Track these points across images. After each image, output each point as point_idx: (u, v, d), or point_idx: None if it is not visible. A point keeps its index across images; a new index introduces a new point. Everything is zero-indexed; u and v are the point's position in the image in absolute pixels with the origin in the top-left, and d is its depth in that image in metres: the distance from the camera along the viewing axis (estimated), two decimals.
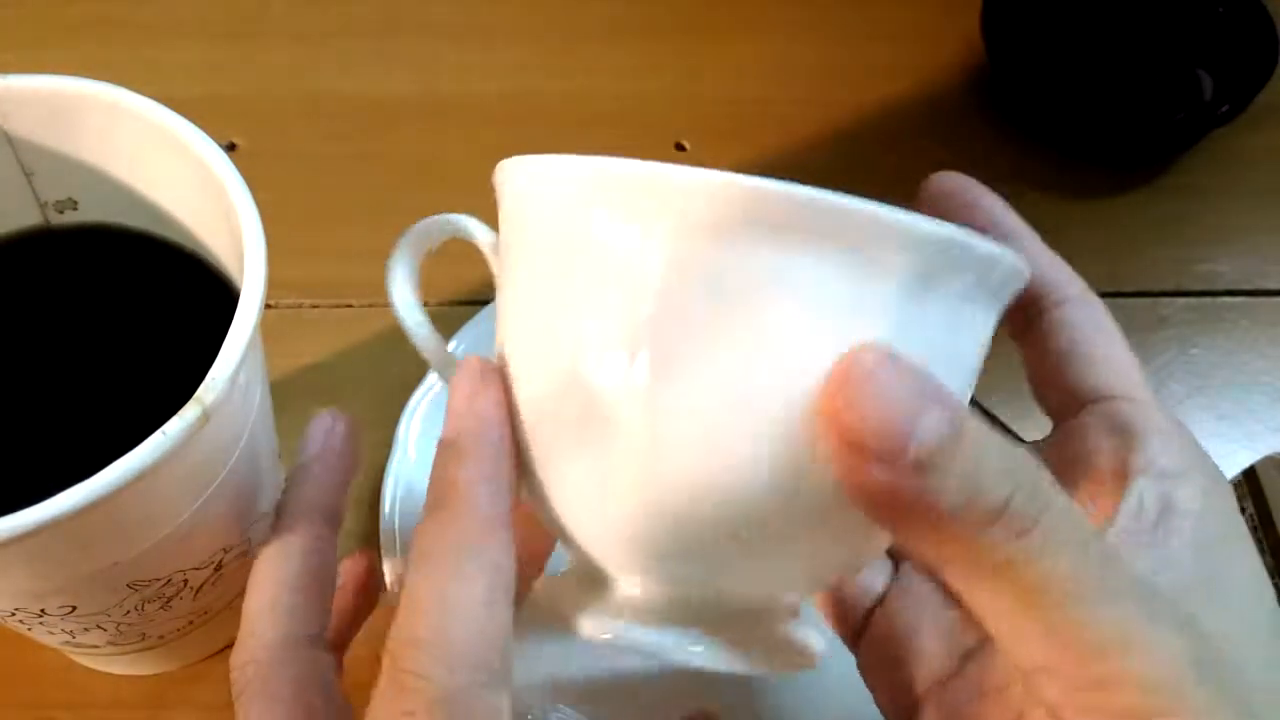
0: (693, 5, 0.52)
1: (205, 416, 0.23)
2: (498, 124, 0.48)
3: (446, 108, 0.48)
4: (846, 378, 0.18)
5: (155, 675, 0.35)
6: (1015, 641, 0.20)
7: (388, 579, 0.34)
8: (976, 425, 0.19)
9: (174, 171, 0.27)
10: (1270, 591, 0.24)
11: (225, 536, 0.29)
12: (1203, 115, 0.46)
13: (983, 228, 0.27)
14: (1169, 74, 0.48)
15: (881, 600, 0.27)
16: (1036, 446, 0.27)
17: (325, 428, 0.27)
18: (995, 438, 0.19)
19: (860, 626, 0.27)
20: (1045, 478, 0.20)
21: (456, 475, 0.21)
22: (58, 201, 0.29)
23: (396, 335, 0.41)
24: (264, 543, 0.25)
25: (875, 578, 0.27)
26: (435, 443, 0.40)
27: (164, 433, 0.22)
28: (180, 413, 0.23)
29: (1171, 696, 0.19)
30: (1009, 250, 0.21)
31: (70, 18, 0.49)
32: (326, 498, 0.26)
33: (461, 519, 0.21)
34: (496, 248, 0.25)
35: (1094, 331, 0.27)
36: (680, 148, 0.47)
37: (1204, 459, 0.25)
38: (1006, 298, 0.22)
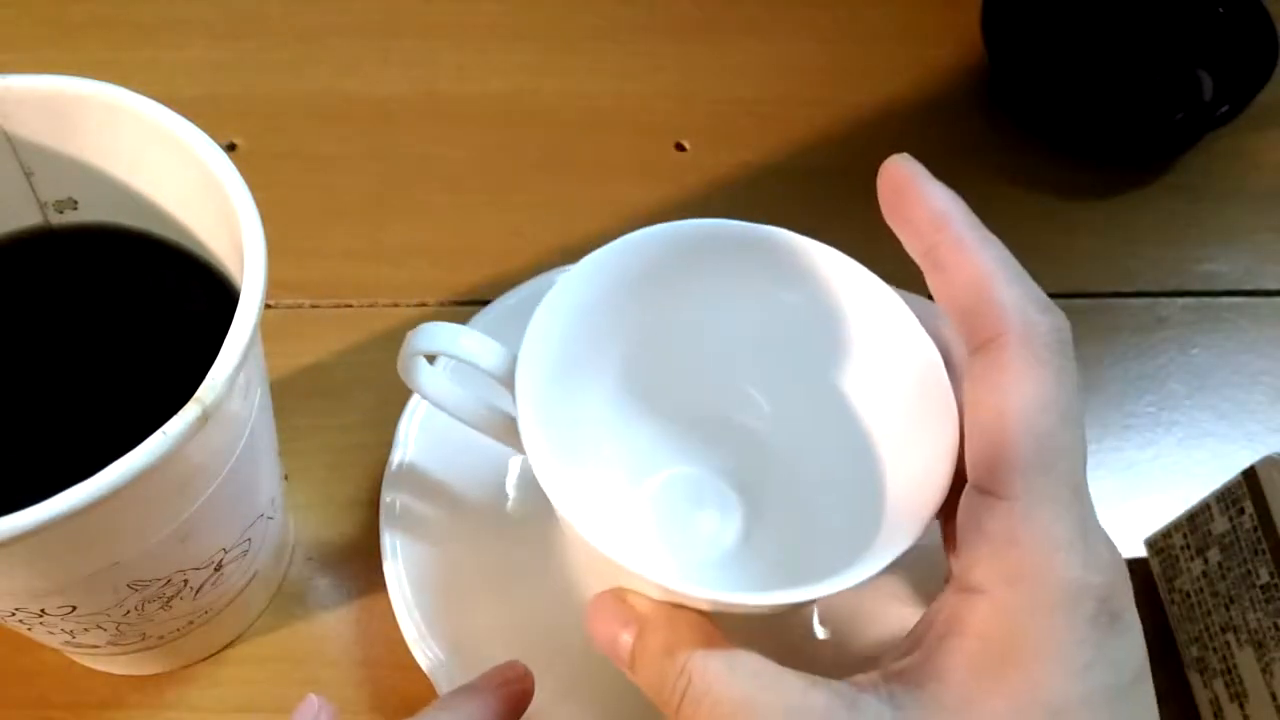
0: (693, 5, 0.52)
1: (205, 416, 0.23)
2: (498, 124, 0.48)
3: (446, 108, 0.48)
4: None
5: (155, 675, 0.35)
6: None
7: (389, 580, 0.34)
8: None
9: (174, 171, 0.27)
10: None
11: (225, 536, 0.29)
12: (1203, 115, 0.46)
13: (928, 233, 0.26)
14: (1169, 74, 0.48)
15: None
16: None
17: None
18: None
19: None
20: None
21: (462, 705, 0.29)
22: (58, 201, 0.29)
23: (396, 335, 0.41)
24: None
25: None
26: (435, 440, 0.40)
27: (164, 433, 0.22)
28: (180, 413, 0.23)
29: None
30: None
31: (70, 18, 0.49)
32: None
33: None
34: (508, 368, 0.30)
35: (990, 396, 0.24)
36: (680, 148, 0.47)
37: (1048, 564, 0.23)
38: None
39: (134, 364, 0.29)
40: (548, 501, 0.27)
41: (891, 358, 0.31)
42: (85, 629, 0.29)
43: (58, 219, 0.30)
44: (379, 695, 0.35)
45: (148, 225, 0.29)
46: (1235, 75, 0.46)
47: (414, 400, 0.38)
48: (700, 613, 0.27)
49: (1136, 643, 0.24)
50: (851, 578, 0.26)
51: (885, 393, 0.31)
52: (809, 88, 0.49)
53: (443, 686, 0.33)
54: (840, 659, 0.34)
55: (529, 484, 0.37)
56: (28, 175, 0.29)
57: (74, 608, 0.27)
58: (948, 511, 0.27)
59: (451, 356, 0.30)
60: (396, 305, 0.42)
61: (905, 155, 0.27)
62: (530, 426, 0.28)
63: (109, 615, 0.28)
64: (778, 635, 0.33)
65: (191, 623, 0.32)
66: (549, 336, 0.30)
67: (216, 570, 0.30)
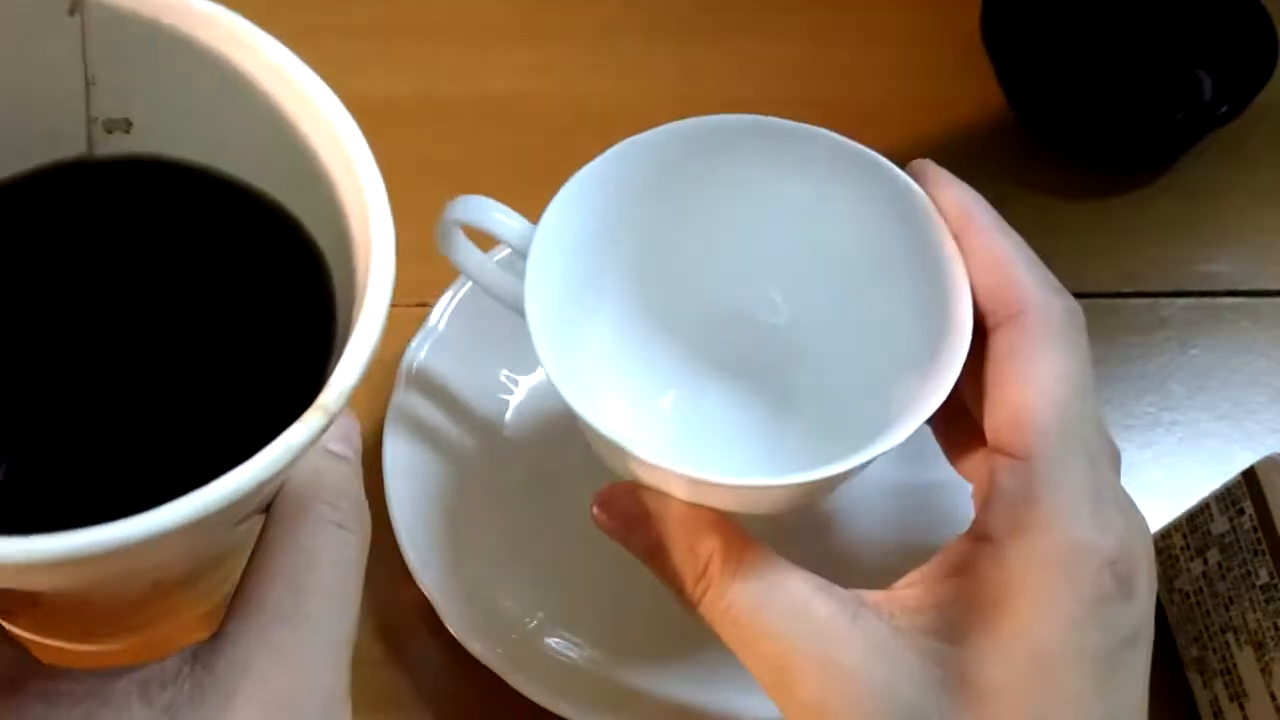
0: (691, 6, 0.52)
1: (327, 426, 0.19)
2: (498, 124, 0.48)
3: (446, 108, 0.48)
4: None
5: None
6: None
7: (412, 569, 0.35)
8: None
9: (271, 113, 0.24)
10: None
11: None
12: (1203, 115, 0.46)
13: (955, 219, 0.29)
14: (1169, 74, 0.48)
15: None
16: None
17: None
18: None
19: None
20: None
21: None
22: (109, 120, 0.25)
23: (396, 335, 0.41)
24: None
25: None
26: (431, 437, 0.39)
27: (286, 443, 0.19)
28: (303, 419, 0.19)
29: None
30: None
31: None
32: None
33: None
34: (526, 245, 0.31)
35: (1011, 366, 0.26)
36: None
37: (1057, 520, 0.24)
38: None
39: (196, 335, 0.25)
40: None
41: (903, 240, 0.30)
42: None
43: (103, 145, 0.25)
44: (379, 693, 0.35)
45: (214, 162, 0.25)
46: (1235, 75, 0.46)
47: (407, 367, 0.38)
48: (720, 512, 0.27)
49: (1140, 611, 0.25)
50: (868, 453, 0.26)
51: (897, 276, 0.31)
52: (809, 88, 0.49)
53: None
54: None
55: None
56: (89, 83, 0.24)
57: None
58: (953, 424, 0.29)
59: (480, 226, 0.32)
60: (396, 305, 0.42)
61: (926, 160, 0.30)
62: (538, 318, 0.29)
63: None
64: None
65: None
66: (565, 232, 0.31)
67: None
